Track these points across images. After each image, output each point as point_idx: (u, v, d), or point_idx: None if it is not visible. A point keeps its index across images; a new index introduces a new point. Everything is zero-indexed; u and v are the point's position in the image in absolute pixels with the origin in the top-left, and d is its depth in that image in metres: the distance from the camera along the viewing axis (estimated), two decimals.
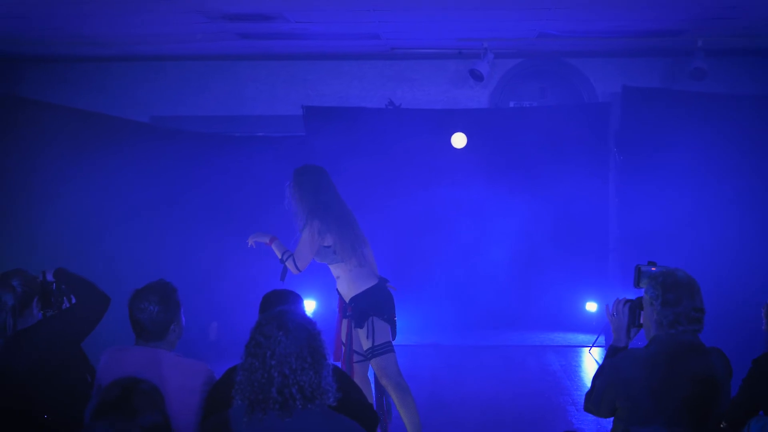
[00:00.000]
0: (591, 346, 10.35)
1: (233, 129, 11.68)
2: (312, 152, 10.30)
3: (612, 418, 4.28)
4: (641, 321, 4.27)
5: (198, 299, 8.26)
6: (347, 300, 6.20)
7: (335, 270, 6.24)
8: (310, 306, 9.76)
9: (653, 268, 4.28)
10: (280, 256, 6.20)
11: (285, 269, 6.21)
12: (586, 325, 11.02)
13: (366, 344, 6.08)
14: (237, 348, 3.42)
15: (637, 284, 4.30)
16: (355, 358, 6.22)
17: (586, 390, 4.36)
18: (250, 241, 6.42)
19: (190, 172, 10.21)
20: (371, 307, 6.08)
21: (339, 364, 6.14)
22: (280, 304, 4.29)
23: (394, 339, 6.16)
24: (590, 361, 9.90)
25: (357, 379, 6.04)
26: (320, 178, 6.25)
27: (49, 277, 4.76)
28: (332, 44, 10.88)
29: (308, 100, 11.53)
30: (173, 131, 11.09)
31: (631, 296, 4.37)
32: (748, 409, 4.60)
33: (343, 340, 6.27)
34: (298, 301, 4.52)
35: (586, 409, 4.36)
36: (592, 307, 11.11)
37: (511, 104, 12.27)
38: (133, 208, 9.55)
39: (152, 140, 10.34)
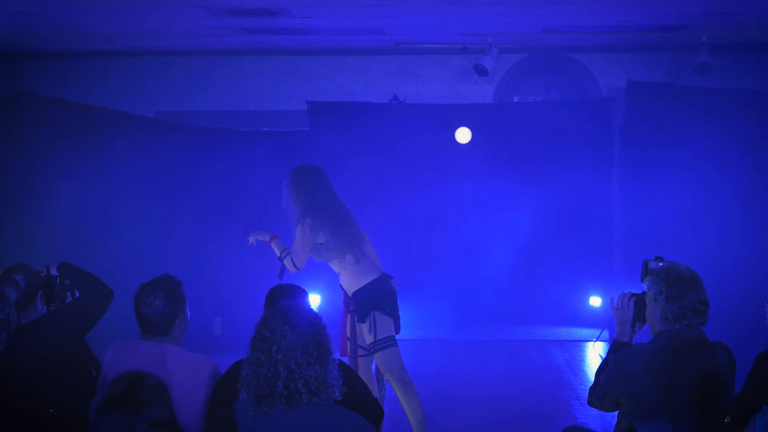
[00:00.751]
0: (595, 341, 10.36)
1: (238, 124, 11.68)
2: (316, 147, 10.31)
3: (616, 413, 4.29)
4: (646, 316, 4.28)
5: (202, 294, 8.27)
6: (350, 295, 6.23)
7: (335, 267, 6.27)
8: (314, 300, 9.77)
9: (660, 263, 4.28)
10: (278, 254, 6.23)
11: (283, 267, 6.24)
12: (590, 319, 11.02)
13: (368, 339, 6.09)
14: (241, 343, 3.43)
15: (643, 279, 4.30)
16: (359, 352, 6.24)
17: (590, 384, 4.36)
18: (251, 239, 6.47)
19: (194, 167, 10.21)
20: (372, 301, 6.10)
21: (345, 360, 6.16)
22: (285, 298, 4.30)
23: (397, 333, 6.17)
24: (594, 355, 9.90)
25: (361, 374, 6.05)
26: (316, 177, 6.27)
27: (53, 272, 4.77)
28: (337, 39, 10.88)
29: (313, 96, 11.53)
30: (178, 126, 11.09)
31: (636, 290, 4.37)
32: (753, 404, 4.60)
33: (348, 335, 6.29)
34: (303, 295, 4.53)
35: (590, 403, 4.37)
36: (596, 301, 11.11)
37: (516, 99, 12.27)
38: (138, 203, 9.56)
39: (157, 135, 10.34)
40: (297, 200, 6.19)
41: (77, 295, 4.73)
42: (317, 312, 3.33)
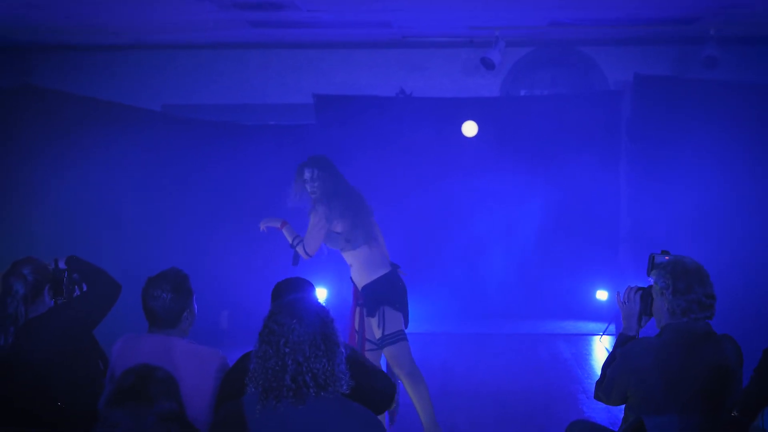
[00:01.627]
0: (602, 334, 10.36)
1: (244, 118, 11.68)
2: (322, 141, 10.31)
3: (623, 407, 4.29)
4: (653, 310, 4.28)
5: (209, 287, 8.28)
6: (360, 288, 6.23)
7: (348, 258, 6.28)
8: (321, 294, 9.78)
9: (667, 257, 4.28)
10: (290, 241, 6.25)
11: (296, 254, 6.26)
12: (596, 313, 11.02)
13: (377, 333, 6.10)
14: (248, 336, 3.43)
15: (650, 272, 4.30)
16: (368, 346, 6.24)
17: (597, 378, 4.36)
18: (262, 226, 6.47)
19: (200, 161, 10.22)
20: (382, 295, 6.10)
21: None
22: (292, 292, 4.29)
23: (406, 327, 6.18)
24: (601, 349, 9.90)
25: None
26: (334, 167, 6.30)
27: (61, 265, 4.77)
28: (343, 33, 10.88)
29: (319, 89, 11.52)
30: (183, 119, 11.09)
31: (643, 284, 4.37)
32: (761, 398, 4.60)
33: (356, 329, 6.29)
34: (309, 289, 4.52)
35: (596, 397, 4.38)
36: (602, 295, 11.10)
37: (522, 93, 12.26)
38: (144, 197, 9.57)
39: (162, 128, 10.35)
40: (320, 188, 6.18)
41: (85, 288, 4.74)
42: (325, 305, 3.34)
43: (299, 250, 6.18)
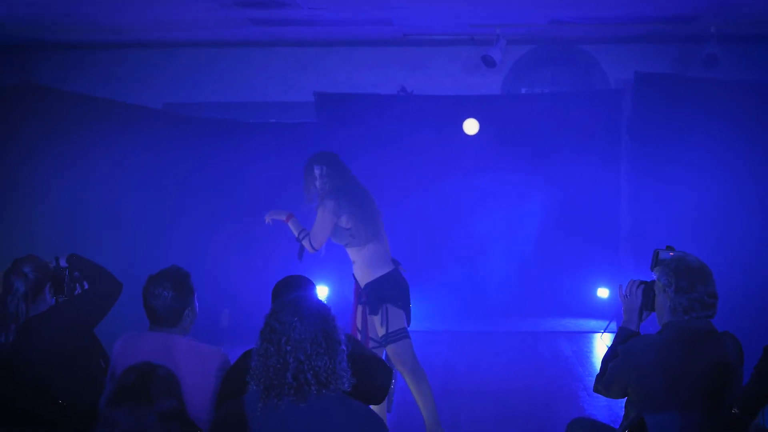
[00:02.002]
0: (602, 332, 10.35)
1: (245, 116, 11.66)
2: (323, 139, 10.30)
3: (624, 405, 4.29)
4: (654, 305, 4.27)
5: (210, 285, 8.28)
6: (362, 286, 6.23)
7: (352, 254, 6.28)
8: (322, 292, 9.78)
9: (671, 253, 4.28)
10: (296, 235, 6.25)
11: (302, 248, 6.26)
12: (597, 311, 11.01)
13: (380, 331, 6.10)
14: (249, 335, 3.43)
15: (653, 268, 4.31)
16: (371, 344, 6.24)
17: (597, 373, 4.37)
18: (267, 218, 6.46)
19: (201, 159, 10.21)
20: (385, 293, 6.10)
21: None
22: (292, 290, 4.29)
23: (408, 325, 6.18)
24: (602, 346, 9.89)
25: None
26: (343, 164, 6.31)
27: (62, 263, 4.76)
28: (344, 31, 10.87)
29: (320, 87, 11.50)
30: (184, 118, 11.08)
31: (646, 279, 4.38)
32: (761, 395, 4.59)
33: (359, 326, 6.29)
34: (310, 286, 4.52)
35: (596, 390, 4.38)
36: (603, 293, 11.09)
37: (523, 91, 12.25)
38: (145, 195, 9.57)
39: (163, 127, 10.34)
40: (329, 184, 6.19)
41: (86, 286, 4.74)
42: (326, 303, 3.34)
43: (305, 243, 6.18)
